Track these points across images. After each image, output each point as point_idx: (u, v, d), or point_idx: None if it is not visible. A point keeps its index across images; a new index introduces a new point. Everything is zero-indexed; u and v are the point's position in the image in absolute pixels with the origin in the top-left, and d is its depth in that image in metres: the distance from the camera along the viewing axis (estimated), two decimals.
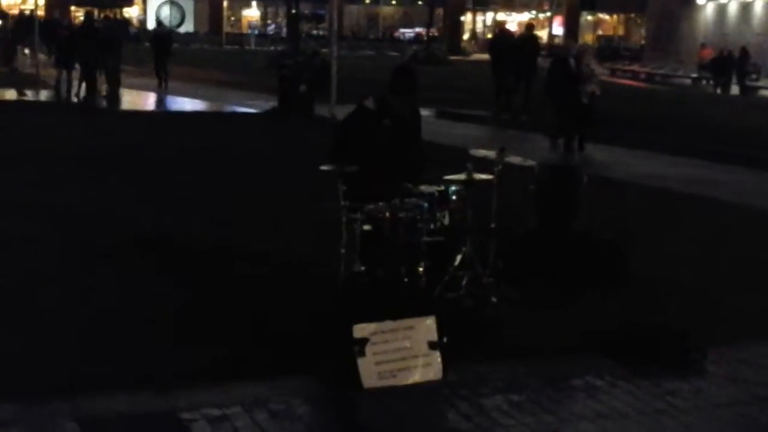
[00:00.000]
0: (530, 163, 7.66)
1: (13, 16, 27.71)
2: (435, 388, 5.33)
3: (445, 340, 5.47)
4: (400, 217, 6.13)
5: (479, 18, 78.45)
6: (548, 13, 74.33)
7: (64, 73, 23.46)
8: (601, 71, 18.16)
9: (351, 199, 6.28)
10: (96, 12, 33.34)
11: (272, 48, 54.48)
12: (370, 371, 5.28)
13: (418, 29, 70.70)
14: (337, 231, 6.38)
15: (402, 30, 74.19)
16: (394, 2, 75.91)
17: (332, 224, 6.51)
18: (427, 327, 5.47)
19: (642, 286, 7.64)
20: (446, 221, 6.62)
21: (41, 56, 26.64)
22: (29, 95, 23.40)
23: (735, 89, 40.77)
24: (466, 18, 76.62)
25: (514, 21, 69.67)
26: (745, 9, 50.92)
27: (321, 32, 61.54)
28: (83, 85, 23.10)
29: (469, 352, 5.75)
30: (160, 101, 25.11)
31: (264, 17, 75.70)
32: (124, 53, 23.51)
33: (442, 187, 6.66)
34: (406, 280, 6.07)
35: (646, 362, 5.81)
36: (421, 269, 6.18)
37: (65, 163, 12.81)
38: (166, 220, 9.52)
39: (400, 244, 6.12)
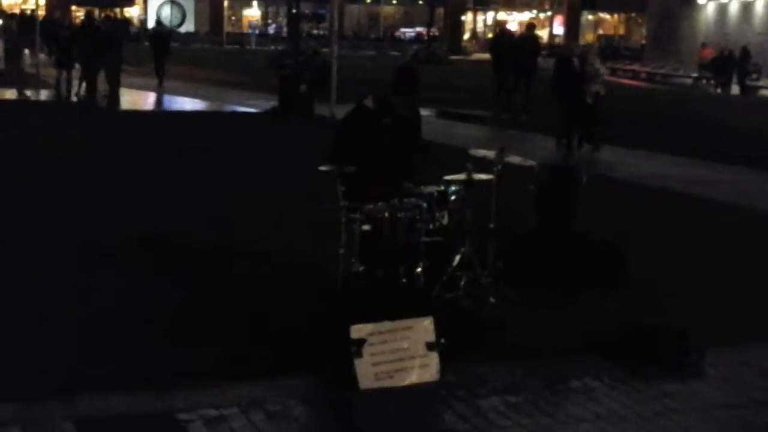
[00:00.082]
0: (530, 163, 7.66)
1: (15, 16, 27.68)
2: (432, 389, 5.32)
3: (442, 340, 5.47)
4: (399, 217, 6.12)
5: (480, 17, 78.43)
6: (549, 13, 74.35)
7: (64, 73, 23.44)
8: (604, 71, 18.06)
9: (350, 199, 6.27)
10: (97, 12, 33.35)
11: (273, 48, 54.46)
12: (367, 372, 5.27)
13: (418, 29, 70.68)
14: (336, 231, 6.36)
15: (403, 29, 74.18)
16: (394, 2, 75.90)
17: (331, 224, 6.50)
18: (425, 328, 5.46)
19: (642, 286, 7.63)
20: (445, 221, 6.62)
21: (41, 56, 26.63)
22: (30, 95, 23.38)
23: (735, 89, 40.74)
24: (467, 17, 76.60)
25: (514, 20, 69.60)
26: (746, 8, 50.89)
27: (322, 32, 61.54)
28: (83, 84, 23.09)
29: (467, 353, 5.74)
30: (161, 101, 25.11)
31: (265, 17, 75.70)
32: (125, 53, 23.46)
33: (442, 187, 6.65)
34: (404, 280, 6.07)
35: (645, 364, 5.80)
36: (419, 269, 6.17)
37: (65, 162, 12.80)
38: (166, 220, 9.51)
39: (399, 245, 6.11)
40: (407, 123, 6.92)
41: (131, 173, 12.27)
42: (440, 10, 70.36)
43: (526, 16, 68.92)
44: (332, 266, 6.47)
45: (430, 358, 5.43)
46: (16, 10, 36.73)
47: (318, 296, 6.62)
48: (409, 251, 6.14)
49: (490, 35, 61.05)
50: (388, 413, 5.08)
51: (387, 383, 5.30)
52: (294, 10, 46.15)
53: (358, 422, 5.08)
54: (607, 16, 77.40)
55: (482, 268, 6.77)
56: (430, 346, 5.43)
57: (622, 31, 76.62)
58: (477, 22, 78.49)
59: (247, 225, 9.45)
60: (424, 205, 6.32)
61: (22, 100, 22.70)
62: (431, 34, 61.88)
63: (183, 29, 66.70)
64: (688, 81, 45.30)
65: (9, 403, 4.90)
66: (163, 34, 30.14)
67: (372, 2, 74.93)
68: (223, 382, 5.28)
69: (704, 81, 44.19)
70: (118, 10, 62.10)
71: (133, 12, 69.16)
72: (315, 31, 65.60)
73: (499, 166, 6.85)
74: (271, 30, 72.27)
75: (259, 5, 74.95)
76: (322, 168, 6.42)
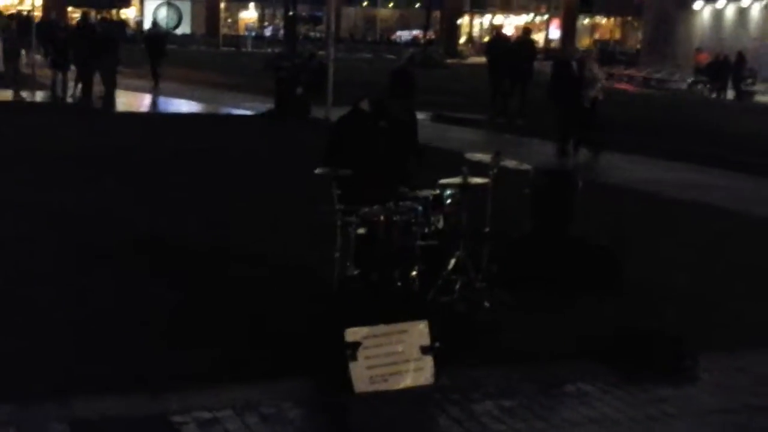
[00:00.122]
0: (525, 167, 7.66)
1: (14, 16, 27.65)
2: (426, 393, 5.33)
3: (437, 344, 5.47)
4: (395, 221, 6.12)
5: (476, 21, 78.56)
6: (545, 16, 74.44)
7: (60, 74, 23.42)
8: (603, 77, 17.96)
9: (346, 202, 6.28)
10: (93, 13, 33.37)
11: (269, 50, 54.47)
12: (362, 375, 5.28)
13: (415, 32, 70.79)
14: (331, 234, 6.37)
15: (399, 33, 74.27)
16: (391, 5, 75.97)
17: (327, 227, 6.51)
18: (420, 331, 5.46)
19: (637, 291, 7.65)
20: (441, 225, 6.62)
21: (37, 57, 26.61)
22: (25, 96, 23.36)
23: (731, 94, 40.82)
24: (463, 21, 76.70)
25: (511, 24, 69.76)
26: (742, 14, 51.03)
27: (318, 34, 61.58)
28: (79, 86, 23.09)
29: (461, 357, 5.75)
30: (157, 103, 25.11)
31: (261, 19, 75.75)
32: (121, 54, 23.45)
33: (437, 191, 6.66)
34: (399, 283, 6.07)
35: (640, 368, 5.81)
36: (414, 273, 6.18)
37: (61, 163, 12.80)
38: (162, 221, 9.51)
39: (394, 248, 6.11)
40: (403, 126, 6.92)
41: (127, 175, 12.27)
42: (436, 14, 70.42)
43: (522, 19, 69.09)
44: (327, 269, 6.47)
45: (425, 362, 5.43)
46: (13, 11, 36.67)
47: (313, 299, 6.62)
48: (404, 255, 6.14)
49: (486, 39, 61.06)
50: (383, 417, 5.09)
51: (382, 387, 5.30)
52: (291, 13, 46.17)
53: (352, 425, 5.09)
54: (603, 21, 77.54)
55: (477, 272, 6.77)
56: (424, 350, 5.44)
57: (618, 35, 76.77)
58: (473, 25, 78.60)
59: (243, 227, 9.46)
60: (420, 208, 6.33)
61: (17, 101, 22.68)
62: (427, 37, 61.93)
63: (179, 31, 66.75)
64: (684, 86, 45.38)
65: (4, 405, 4.89)
66: (158, 35, 30.15)
67: (369, 5, 74.98)
68: (218, 385, 5.28)
69: (699, 86, 44.27)
70: (114, 11, 62.12)
71: (129, 13, 69.15)
72: (312, 34, 65.64)
73: (495, 170, 6.85)
74: (268, 32, 72.32)
75: (256, 7, 75.01)
76: (318, 171, 6.43)
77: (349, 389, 5.23)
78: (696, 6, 54.01)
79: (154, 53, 27.81)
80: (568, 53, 17.72)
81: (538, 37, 59.64)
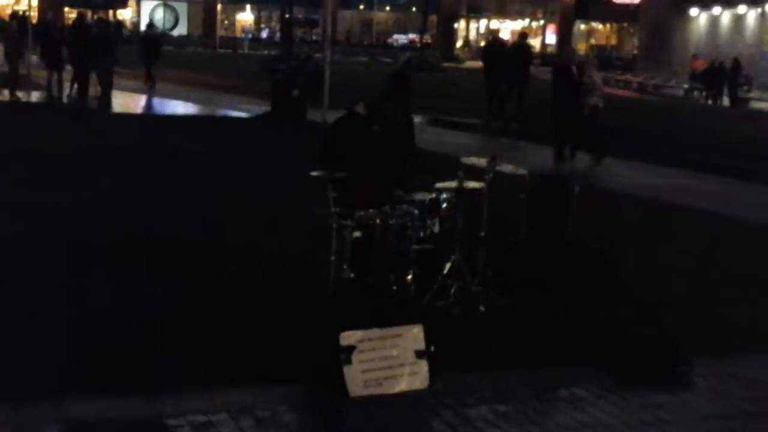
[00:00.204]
0: (521, 171, 7.66)
1: (16, 16, 27.57)
2: (421, 398, 5.33)
3: (432, 348, 5.47)
4: (390, 225, 6.12)
5: (473, 25, 78.60)
6: (542, 22, 74.52)
7: (55, 75, 23.40)
8: (602, 84, 17.71)
9: (341, 205, 6.27)
10: (90, 14, 33.33)
11: (265, 52, 54.47)
12: (357, 379, 5.27)
13: (411, 35, 70.80)
14: (327, 237, 6.36)
15: (395, 36, 74.30)
16: (387, 8, 76.00)
17: (323, 230, 6.50)
18: (415, 335, 5.46)
19: (632, 296, 7.66)
20: (436, 229, 6.61)
21: (33, 57, 26.56)
22: (21, 96, 23.33)
23: (726, 100, 40.90)
24: (460, 25, 76.75)
25: (507, 29, 69.82)
26: (738, 20, 51.14)
27: (315, 37, 61.58)
28: (75, 86, 23.06)
29: (456, 361, 5.74)
30: (153, 104, 25.09)
31: (258, 21, 75.74)
32: (117, 55, 23.42)
33: (433, 195, 6.65)
34: (394, 287, 6.06)
35: (634, 373, 5.82)
36: (410, 277, 6.17)
37: (57, 164, 12.78)
38: (158, 223, 9.50)
39: (389, 252, 6.11)
40: (398, 130, 6.92)
41: (123, 176, 12.25)
42: (433, 18, 70.48)
43: (518, 24, 69.17)
44: (323, 272, 6.46)
45: (420, 366, 5.43)
46: (9, 11, 36.60)
47: (308, 302, 6.63)
48: (399, 258, 6.14)
49: (482, 43, 61.12)
50: (377, 421, 5.09)
51: (376, 390, 5.30)
52: (287, 15, 46.22)
53: (347, 429, 5.08)
54: (600, 26, 77.63)
55: (473, 276, 6.77)
56: (419, 354, 5.44)
57: (614, 41, 76.87)
58: (470, 30, 78.64)
59: (239, 230, 9.45)
60: (416, 212, 6.32)
61: (13, 102, 22.65)
62: (424, 41, 61.96)
63: (176, 32, 66.74)
64: (680, 92, 45.47)
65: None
66: (153, 37, 30.20)
67: (365, 8, 75.02)
68: (213, 388, 5.27)
69: (695, 92, 44.35)
70: (110, 12, 62.09)
71: (126, 14, 69.11)
72: (308, 37, 65.64)
73: (491, 175, 6.85)
74: (264, 34, 72.33)
75: (253, 10, 74.99)
76: (314, 173, 6.42)
77: (343, 393, 5.22)
78: (692, 12, 54.12)
79: (149, 55, 27.85)
80: (567, 58, 17.59)
81: (535, 43, 59.67)
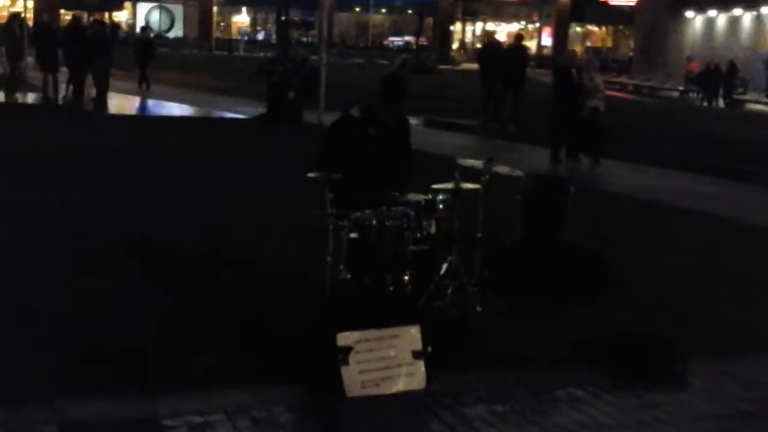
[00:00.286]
0: (518, 173, 7.66)
1: (17, 17, 27.55)
2: (418, 398, 5.33)
3: (429, 349, 5.47)
4: (387, 226, 6.12)
5: (468, 28, 78.61)
6: (537, 24, 74.55)
7: (50, 76, 23.37)
8: (604, 87, 17.53)
9: (338, 206, 6.27)
10: (86, 16, 33.28)
11: (261, 54, 54.43)
12: (354, 380, 5.27)
13: (407, 38, 70.81)
14: (323, 238, 6.36)
15: (391, 38, 74.29)
16: (383, 10, 76.01)
17: (319, 232, 6.50)
18: (412, 336, 5.46)
19: (629, 296, 7.67)
20: (433, 230, 6.62)
21: (29, 59, 26.54)
22: (17, 97, 23.31)
23: (721, 102, 40.97)
24: (456, 27, 76.74)
25: (503, 31, 69.83)
26: (733, 23, 51.23)
27: (311, 39, 61.56)
28: (70, 87, 23.04)
29: (453, 362, 5.75)
30: (149, 106, 25.08)
31: (254, 23, 75.71)
32: (113, 57, 23.42)
33: (429, 196, 6.66)
34: (391, 288, 6.07)
35: (631, 374, 5.82)
36: (406, 278, 6.17)
37: (53, 166, 12.78)
38: (154, 225, 9.48)
39: (386, 253, 6.11)
40: (393, 132, 6.93)
41: (119, 177, 12.24)
42: (429, 20, 70.49)
43: (514, 27, 69.15)
44: (320, 274, 6.46)
45: (417, 367, 5.43)
46: (5, 13, 36.57)
47: (305, 303, 6.62)
48: (396, 259, 6.14)
49: (478, 45, 61.17)
50: (375, 421, 5.09)
51: (373, 391, 5.30)
52: (283, 17, 46.17)
53: (344, 430, 5.08)
54: (595, 29, 77.69)
55: (469, 277, 6.78)
56: (416, 355, 5.44)
57: (609, 43, 76.92)
58: (466, 32, 78.64)
59: (235, 231, 9.44)
60: (412, 213, 6.33)
61: (9, 103, 22.62)
62: (420, 43, 61.96)
63: (172, 34, 66.72)
64: (675, 94, 45.54)
65: None
66: (146, 39, 30.27)
67: (361, 10, 75.03)
68: (210, 389, 5.27)
69: (691, 94, 44.44)
70: (106, 14, 62.04)
71: (121, 16, 69.06)
72: (304, 39, 65.63)
73: (487, 176, 6.86)
74: (260, 36, 72.31)
75: (249, 12, 74.96)
76: (310, 174, 6.43)
77: (341, 393, 5.22)
78: (687, 15, 54.21)
79: (143, 57, 27.93)
80: (568, 60, 17.53)
81: (530, 45, 59.68)
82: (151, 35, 39.59)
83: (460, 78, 44.96)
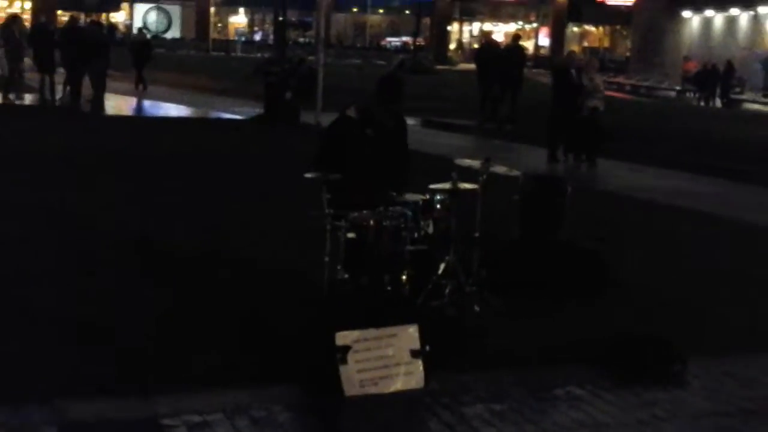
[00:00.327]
0: (515, 173, 7.67)
1: (18, 18, 27.55)
2: (416, 397, 5.33)
3: (427, 348, 5.48)
4: (385, 226, 6.13)
5: (466, 28, 78.59)
6: (535, 24, 74.58)
7: (47, 77, 23.34)
8: (604, 87, 17.45)
9: (335, 207, 6.28)
10: (83, 17, 33.26)
11: (259, 55, 54.41)
12: (352, 379, 5.28)
13: (404, 38, 70.80)
14: (321, 239, 6.37)
15: (389, 39, 74.29)
16: (381, 11, 76.00)
17: (317, 232, 6.51)
18: (410, 335, 5.47)
19: (627, 296, 7.68)
20: (430, 230, 6.64)
21: (26, 60, 26.51)
22: (14, 99, 23.29)
23: (718, 102, 40.99)
24: (453, 28, 76.72)
25: (500, 31, 69.82)
26: (730, 23, 51.26)
27: (308, 40, 61.53)
28: (68, 88, 23.02)
29: (451, 361, 5.76)
30: (146, 107, 25.08)
31: (251, 24, 75.68)
32: (112, 59, 23.42)
33: (427, 196, 6.67)
34: (389, 288, 6.07)
35: (630, 372, 5.83)
36: (404, 278, 6.18)
37: (51, 166, 12.77)
38: (153, 225, 9.49)
39: (384, 253, 6.12)
40: (390, 133, 6.93)
41: (117, 178, 12.24)
42: (426, 20, 70.48)
43: (512, 27, 69.14)
44: (318, 274, 6.47)
45: (415, 366, 5.44)
46: (13, 13, 36.50)
47: (303, 303, 6.63)
48: (394, 259, 6.15)
49: (475, 45, 61.16)
50: (373, 420, 5.09)
51: (372, 390, 5.30)
52: (280, 18, 46.14)
53: (342, 429, 5.09)
54: (593, 29, 77.69)
55: (467, 276, 6.79)
56: (414, 354, 5.45)
57: (607, 43, 76.90)
58: (463, 32, 78.65)
59: (233, 231, 9.44)
60: (410, 213, 6.34)
61: (6, 104, 22.60)
62: (417, 43, 61.95)
63: (169, 35, 66.67)
64: (672, 94, 45.57)
65: None
66: (143, 40, 30.26)
67: (358, 11, 75.01)
68: (208, 388, 5.27)
69: (688, 94, 44.47)
70: (103, 15, 61.98)
71: (119, 17, 69.01)
72: (301, 39, 65.61)
73: (484, 176, 6.87)
74: (258, 37, 72.27)
75: (246, 12, 74.91)
76: (308, 175, 6.43)
77: (339, 393, 5.23)
78: (685, 15, 54.24)
79: (140, 58, 27.96)
80: (567, 61, 17.52)
81: (528, 45, 59.71)
82: (149, 36, 39.70)
83: (457, 78, 44.96)
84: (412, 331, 5.48)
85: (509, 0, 73.79)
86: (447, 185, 6.67)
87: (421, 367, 5.44)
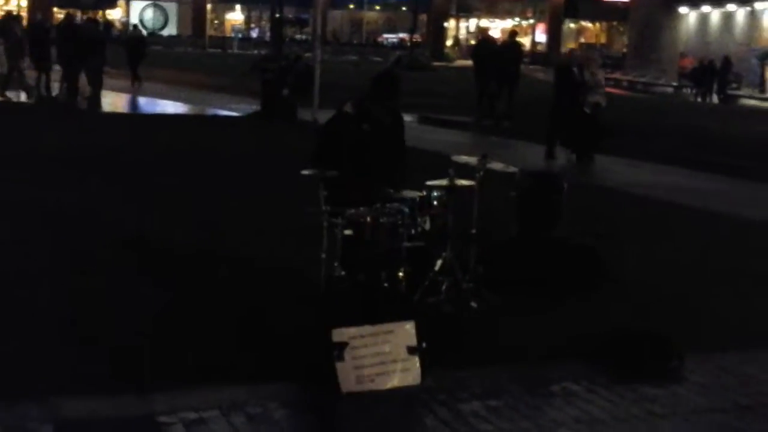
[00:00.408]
0: (512, 169, 7.67)
1: (18, 17, 27.52)
2: (413, 393, 5.33)
3: (424, 345, 5.47)
4: (381, 222, 6.13)
5: (462, 24, 78.65)
6: (531, 21, 74.61)
7: (43, 75, 23.31)
8: (604, 82, 17.37)
9: (332, 203, 6.28)
10: (79, 14, 33.23)
11: (255, 52, 54.39)
12: (349, 375, 5.28)
13: (401, 35, 70.80)
14: (318, 235, 6.37)
15: (385, 35, 74.30)
16: (378, 7, 75.99)
17: (314, 229, 6.50)
18: (407, 332, 5.47)
19: (624, 292, 7.67)
20: (427, 226, 6.63)
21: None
22: (11, 96, 23.25)
23: (715, 98, 41.03)
24: (450, 24, 76.78)
25: (497, 28, 69.84)
26: (727, 19, 51.30)
27: (305, 37, 61.50)
28: (64, 86, 22.99)
29: (448, 358, 5.75)
30: (143, 104, 25.05)
31: (248, 21, 75.65)
32: (108, 56, 23.40)
33: (424, 193, 6.67)
34: (386, 284, 6.07)
35: (626, 368, 5.83)
36: (401, 274, 6.18)
37: (48, 164, 12.75)
38: (150, 222, 9.47)
39: (380, 249, 6.12)
40: (387, 129, 6.93)
41: (114, 176, 12.22)
42: (423, 17, 70.49)
43: (508, 23, 69.23)
44: (314, 270, 6.46)
45: (412, 362, 5.43)
46: (13, 11, 36.45)
47: (300, 300, 6.62)
48: (390, 256, 6.15)
49: (472, 42, 61.15)
50: (370, 417, 5.09)
51: (368, 387, 5.30)
52: (277, 15, 46.17)
53: (338, 426, 5.09)
54: (589, 25, 77.75)
55: (464, 273, 6.78)
56: (411, 350, 5.44)
57: (603, 39, 76.95)
58: (460, 28, 78.69)
59: (230, 228, 9.43)
60: (406, 210, 6.34)
61: (3, 102, 22.57)
62: (414, 40, 61.95)
63: (165, 32, 66.65)
64: (669, 90, 45.60)
65: None
66: (138, 37, 30.24)
67: (355, 8, 75.00)
68: (205, 385, 5.27)
69: (685, 90, 44.51)
70: (100, 12, 61.94)
71: (115, 14, 68.95)
72: (298, 36, 65.57)
73: (481, 172, 6.87)
74: (254, 34, 72.27)
75: (243, 9, 74.89)
76: (305, 172, 6.43)
77: (335, 389, 5.22)
78: (681, 11, 54.26)
79: (134, 55, 27.94)
80: (568, 59, 17.47)
81: (524, 41, 59.71)
82: (144, 33, 39.69)
83: (454, 75, 44.99)
84: (409, 327, 5.48)
85: None
86: (444, 182, 6.66)
87: (418, 364, 5.44)
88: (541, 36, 73.46)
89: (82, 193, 10.89)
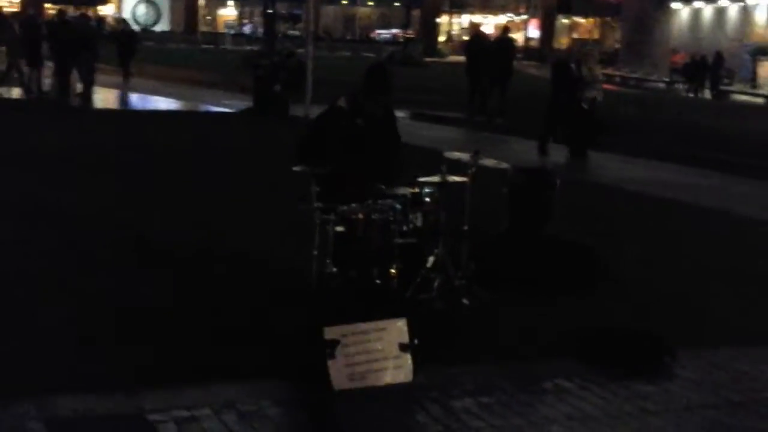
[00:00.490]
0: (504, 165, 7.66)
1: (18, 15, 27.48)
2: (405, 390, 5.32)
3: (416, 342, 5.46)
4: (373, 219, 6.12)
5: (455, 20, 78.63)
6: (524, 16, 74.61)
7: (35, 71, 23.24)
8: (601, 76, 17.36)
9: (324, 200, 6.26)
10: (72, 9, 33.16)
11: (248, 47, 54.26)
12: (341, 373, 5.27)
13: (394, 30, 70.77)
14: (310, 232, 6.35)
15: (378, 31, 74.25)
16: (370, 3, 75.93)
17: (306, 225, 6.49)
18: (399, 329, 5.46)
19: (616, 289, 7.67)
20: (419, 223, 6.61)
21: None
22: (2, 93, 23.20)
23: (707, 93, 41.09)
24: (443, 20, 76.74)
25: (490, 23, 69.83)
26: (720, 14, 51.39)
27: (298, 32, 61.39)
28: (56, 82, 22.92)
29: (440, 354, 5.74)
30: (135, 100, 25.00)
31: (240, 17, 75.54)
32: (100, 52, 23.35)
33: (416, 189, 6.65)
34: (378, 281, 6.06)
35: (619, 366, 5.83)
36: (393, 271, 6.17)
37: (41, 162, 12.71)
38: (144, 220, 9.43)
39: (372, 246, 6.11)
40: (380, 124, 6.91)
41: (106, 173, 12.18)
42: (416, 12, 70.45)
43: (501, 19, 69.16)
44: (306, 267, 6.45)
45: (404, 359, 5.43)
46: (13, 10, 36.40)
47: (292, 297, 6.61)
48: (382, 253, 6.13)
49: (465, 38, 61.13)
50: (361, 414, 5.08)
51: (360, 384, 5.29)
52: (269, 11, 46.01)
53: (330, 423, 5.07)
54: (582, 21, 77.78)
55: (456, 269, 6.78)
56: (403, 347, 5.43)
57: (596, 35, 76.98)
58: (452, 24, 78.66)
59: (222, 225, 9.40)
60: (398, 206, 6.32)
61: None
62: (407, 36, 61.89)
63: (158, 28, 66.51)
64: (662, 85, 45.66)
65: None
66: (129, 32, 30.21)
67: (348, 3, 74.93)
68: (196, 383, 5.25)
69: (677, 85, 44.58)
70: (92, 8, 61.74)
71: (107, 10, 68.80)
72: (291, 32, 65.47)
73: (474, 169, 6.86)
74: (247, 30, 72.13)
75: (235, 5, 74.83)
76: (296, 168, 6.41)
77: (327, 387, 5.22)
78: (674, 6, 54.33)
79: (125, 51, 27.90)
80: (566, 55, 17.47)
81: (517, 37, 59.71)
82: (137, 29, 39.62)
83: (447, 70, 44.95)
84: (401, 324, 5.47)
85: None
86: (436, 178, 6.65)
87: (410, 361, 5.43)
88: (534, 32, 73.45)
89: (77, 190, 10.84)
